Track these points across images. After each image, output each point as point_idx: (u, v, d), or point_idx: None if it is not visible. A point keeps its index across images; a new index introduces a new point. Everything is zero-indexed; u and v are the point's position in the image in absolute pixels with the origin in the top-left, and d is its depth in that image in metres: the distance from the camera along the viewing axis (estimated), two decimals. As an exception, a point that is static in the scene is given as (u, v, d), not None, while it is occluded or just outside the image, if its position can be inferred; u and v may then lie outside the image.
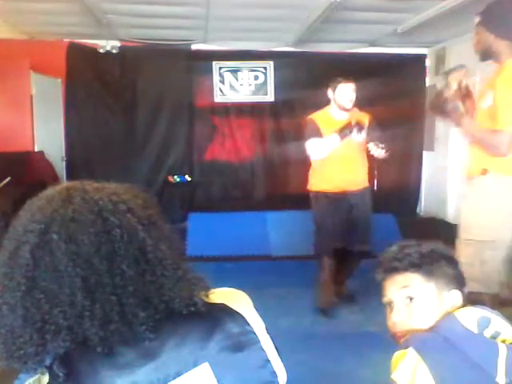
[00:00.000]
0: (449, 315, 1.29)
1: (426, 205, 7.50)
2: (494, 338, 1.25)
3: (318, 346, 3.20)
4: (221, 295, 0.97)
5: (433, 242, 1.49)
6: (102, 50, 6.58)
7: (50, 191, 0.91)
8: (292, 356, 3.07)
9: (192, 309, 0.87)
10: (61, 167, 6.42)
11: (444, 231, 6.24)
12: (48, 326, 0.81)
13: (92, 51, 6.58)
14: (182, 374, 0.84)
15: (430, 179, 7.43)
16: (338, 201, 4.01)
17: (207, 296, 0.94)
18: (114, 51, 6.60)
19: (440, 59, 6.92)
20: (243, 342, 0.90)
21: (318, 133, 3.99)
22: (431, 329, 1.29)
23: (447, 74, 2.99)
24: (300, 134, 7.25)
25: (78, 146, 6.70)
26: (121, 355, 0.83)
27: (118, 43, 6.59)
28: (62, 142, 6.69)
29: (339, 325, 3.66)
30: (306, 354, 3.06)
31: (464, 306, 1.33)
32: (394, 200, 7.06)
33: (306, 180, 7.24)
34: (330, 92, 4.14)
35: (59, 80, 6.53)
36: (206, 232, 5.62)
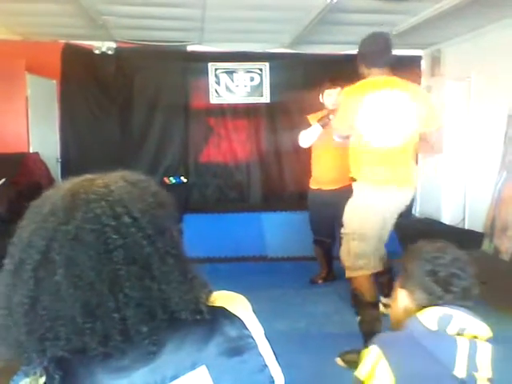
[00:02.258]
0: (413, 317, 1.35)
1: (421, 206, 7.52)
2: (459, 334, 1.30)
3: (314, 348, 3.20)
4: (220, 298, 0.96)
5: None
6: (97, 51, 6.56)
7: (54, 195, 0.87)
8: (287, 357, 3.07)
9: (198, 317, 0.87)
10: (56, 168, 6.41)
11: (439, 232, 6.28)
12: (48, 335, 0.81)
13: (87, 52, 6.57)
14: (179, 376, 0.84)
15: (425, 181, 7.45)
16: (324, 198, 4.40)
17: (209, 296, 0.93)
18: (109, 52, 6.59)
19: (435, 61, 6.95)
20: (241, 346, 0.89)
21: (307, 125, 4.44)
22: (399, 328, 1.40)
23: None
24: (296, 135, 7.31)
25: (72, 148, 6.69)
26: (118, 358, 0.82)
27: (113, 44, 6.58)
28: (57, 144, 6.68)
29: (334, 326, 3.66)
30: (301, 355, 3.06)
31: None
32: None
33: (301, 181, 7.28)
34: (320, 96, 4.50)
35: (54, 81, 6.52)
36: (202, 233, 5.61)
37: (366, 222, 3.08)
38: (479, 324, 1.33)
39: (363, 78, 3.44)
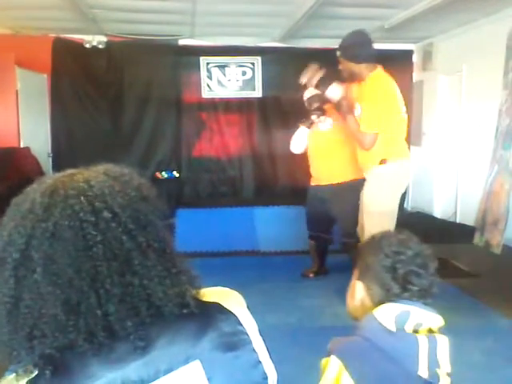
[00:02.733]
0: (369, 316, 1.29)
1: (413, 200, 7.55)
2: (416, 330, 1.26)
3: (306, 341, 3.20)
4: (214, 294, 0.96)
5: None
6: (88, 45, 6.52)
7: (33, 192, 0.87)
8: (280, 351, 3.08)
9: (184, 311, 0.86)
10: (47, 163, 6.37)
11: (431, 226, 6.31)
12: (35, 332, 0.81)
13: (78, 46, 6.52)
14: (172, 370, 0.84)
15: (416, 174, 7.47)
16: (321, 193, 4.26)
17: (200, 294, 0.93)
18: (100, 46, 6.55)
19: (427, 55, 6.95)
20: (235, 341, 0.89)
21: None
22: (355, 329, 1.32)
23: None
24: (288, 129, 7.30)
25: (64, 142, 6.65)
26: (112, 350, 0.82)
27: (104, 38, 6.54)
28: (47, 138, 6.64)
29: (327, 319, 3.67)
30: (293, 349, 3.07)
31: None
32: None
33: (293, 176, 7.28)
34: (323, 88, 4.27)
35: (45, 75, 6.47)
36: (194, 228, 5.60)
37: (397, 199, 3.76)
38: (433, 316, 1.29)
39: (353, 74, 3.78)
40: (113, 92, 6.72)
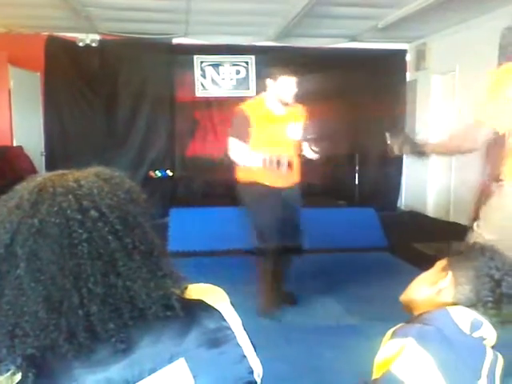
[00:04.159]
0: (442, 310, 1.26)
1: (406, 199, 7.58)
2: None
3: (299, 341, 3.21)
4: (197, 291, 0.96)
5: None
6: (81, 44, 6.50)
7: (22, 189, 0.87)
8: (273, 351, 3.10)
9: (168, 313, 0.86)
10: (40, 162, 6.35)
11: (424, 225, 6.34)
12: (17, 331, 0.81)
13: (71, 44, 6.50)
14: (157, 370, 0.84)
15: (410, 174, 7.50)
16: (272, 192, 3.76)
17: (184, 292, 0.93)
18: (93, 45, 6.53)
19: (420, 54, 6.97)
20: (219, 338, 0.89)
21: (244, 132, 3.67)
22: (422, 319, 1.26)
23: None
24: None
25: (57, 141, 6.63)
26: (95, 352, 0.81)
27: (97, 36, 6.52)
28: (41, 137, 6.61)
29: (320, 318, 3.67)
30: (286, 348, 3.07)
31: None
32: (376, 194, 7.14)
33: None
34: (270, 82, 3.78)
35: (38, 73, 6.44)
36: (188, 227, 5.59)
37: None
38: (494, 333, 1.26)
39: None
40: (106, 90, 6.70)
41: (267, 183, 3.73)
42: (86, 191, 0.85)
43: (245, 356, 0.91)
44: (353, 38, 6.76)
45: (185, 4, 5.16)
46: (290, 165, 3.56)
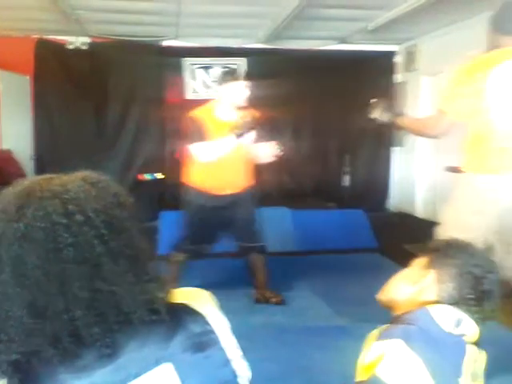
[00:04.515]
0: (423, 309, 1.27)
1: (394, 200, 7.61)
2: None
3: (290, 342, 3.22)
4: (182, 295, 0.97)
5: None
6: (71, 47, 6.47)
7: (9, 194, 0.87)
8: (264, 352, 3.10)
9: (154, 317, 0.86)
10: (29, 166, 6.31)
11: (412, 225, 6.36)
12: (2, 336, 0.81)
13: (61, 47, 6.47)
14: (142, 374, 0.84)
15: (398, 174, 7.54)
16: (215, 201, 3.82)
17: (168, 296, 0.93)
18: (83, 47, 6.50)
19: (410, 56, 7.02)
20: (204, 341, 0.90)
21: (202, 132, 3.67)
22: (404, 319, 1.27)
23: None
24: (272, 130, 7.31)
25: (46, 145, 6.58)
26: (80, 357, 0.82)
27: (87, 39, 6.49)
28: (30, 141, 6.57)
29: (310, 319, 3.69)
30: (278, 350, 3.08)
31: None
32: (364, 195, 7.17)
33: (279, 177, 7.29)
34: (221, 88, 3.83)
35: (27, 77, 6.41)
36: (178, 230, 5.57)
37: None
38: (476, 330, 1.28)
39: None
40: (96, 94, 6.67)
41: (211, 191, 3.79)
42: (72, 195, 0.85)
43: (230, 360, 0.92)
44: (343, 40, 6.78)
45: (175, 7, 5.16)
46: (253, 122, 3.69)
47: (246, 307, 3.88)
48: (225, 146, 3.62)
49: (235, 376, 0.92)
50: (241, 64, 7.08)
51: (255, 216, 4.05)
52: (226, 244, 5.39)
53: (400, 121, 3.08)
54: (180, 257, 3.94)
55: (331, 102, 7.08)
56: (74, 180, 0.89)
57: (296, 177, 7.47)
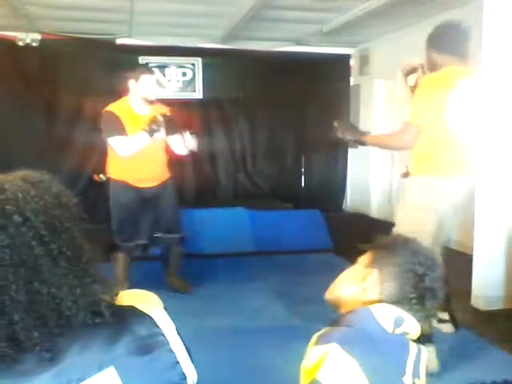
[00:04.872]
0: (365, 309, 1.27)
1: (351, 200, 7.72)
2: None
3: (244, 343, 3.21)
4: (129, 297, 0.95)
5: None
6: (21, 43, 6.29)
7: None
8: (218, 353, 3.08)
9: (97, 320, 0.84)
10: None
11: (368, 226, 6.46)
12: None
13: (10, 44, 6.29)
14: (85, 378, 0.81)
15: (355, 176, 7.66)
16: (140, 193, 3.96)
17: (114, 298, 0.91)
18: (34, 44, 6.33)
19: (364, 59, 7.13)
20: (151, 344, 0.88)
21: (120, 127, 3.79)
22: (345, 320, 1.27)
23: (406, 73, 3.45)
24: (229, 131, 7.32)
25: (-5, 143, 6.38)
26: (19, 362, 0.79)
27: (38, 36, 6.33)
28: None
29: (265, 320, 3.69)
30: (232, 350, 3.06)
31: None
32: (321, 196, 7.25)
33: (234, 177, 7.29)
34: (131, 82, 3.94)
35: (-25, 73, 6.19)
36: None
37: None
38: (417, 328, 1.29)
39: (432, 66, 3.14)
40: (47, 91, 6.51)
41: (135, 184, 3.93)
42: (9, 195, 0.82)
43: (178, 362, 0.90)
44: (298, 42, 6.84)
45: (128, 4, 5.08)
46: (170, 120, 3.90)
47: (201, 308, 3.86)
48: (142, 140, 3.76)
49: (183, 378, 0.90)
50: (196, 63, 7.05)
51: (176, 208, 4.23)
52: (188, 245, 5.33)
53: (367, 139, 3.29)
54: (121, 256, 3.98)
55: (288, 103, 7.12)
56: (13, 180, 0.87)
57: (253, 178, 7.49)
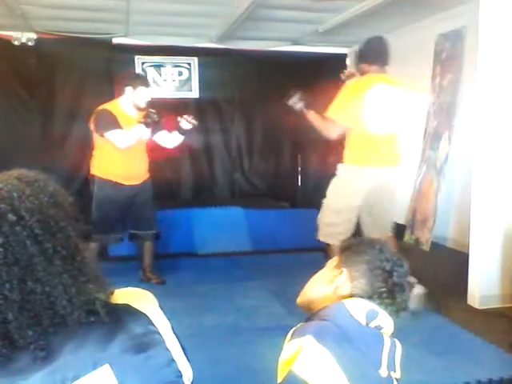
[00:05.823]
0: (339, 304, 1.30)
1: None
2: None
3: (242, 342, 3.21)
4: (124, 295, 0.95)
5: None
6: (16, 42, 6.26)
7: None
8: (216, 352, 3.09)
9: (92, 319, 0.85)
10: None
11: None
12: None
13: (6, 43, 6.25)
14: (80, 377, 0.82)
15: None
16: (124, 191, 4.24)
17: (110, 297, 0.91)
18: (29, 44, 6.30)
19: (359, 59, 7.13)
20: (147, 342, 0.88)
21: (116, 122, 4.12)
22: (319, 314, 1.30)
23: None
24: (226, 130, 7.32)
25: (-9, 143, 6.36)
26: (15, 360, 0.79)
27: (34, 35, 6.30)
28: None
29: (262, 319, 3.70)
30: (229, 349, 3.07)
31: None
32: (317, 195, 7.24)
33: (231, 177, 7.29)
34: (128, 89, 4.26)
35: (-30, 73, 6.17)
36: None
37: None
38: (391, 322, 1.32)
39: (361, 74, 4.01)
40: (44, 91, 6.49)
41: (121, 181, 4.22)
42: (4, 194, 0.83)
43: (173, 360, 0.90)
44: (295, 42, 6.84)
45: (125, 4, 5.08)
46: (156, 122, 4.19)
47: (198, 307, 3.86)
48: (139, 131, 4.10)
49: (179, 376, 0.91)
50: (192, 63, 7.05)
51: (153, 205, 4.48)
52: (175, 245, 5.35)
53: (308, 113, 4.04)
54: (94, 246, 4.14)
55: (284, 103, 7.11)
56: (8, 179, 0.87)
57: (249, 177, 7.49)
